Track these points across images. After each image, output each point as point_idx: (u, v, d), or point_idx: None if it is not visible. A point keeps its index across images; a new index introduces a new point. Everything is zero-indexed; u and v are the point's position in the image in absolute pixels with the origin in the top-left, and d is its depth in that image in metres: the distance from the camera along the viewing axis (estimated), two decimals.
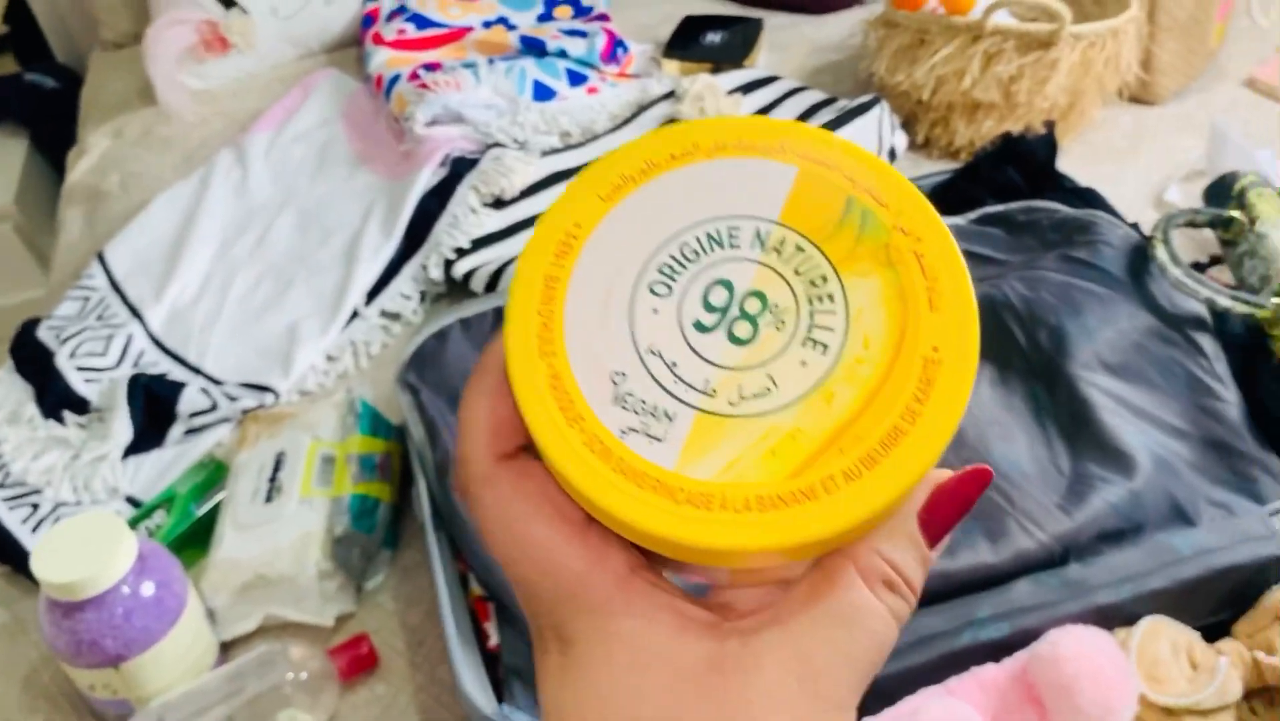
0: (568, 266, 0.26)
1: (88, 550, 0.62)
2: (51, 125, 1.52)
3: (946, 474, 0.25)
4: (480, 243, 0.94)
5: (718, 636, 0.24)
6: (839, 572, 0.24)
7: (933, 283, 0.25)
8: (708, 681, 0.23)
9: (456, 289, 0.95)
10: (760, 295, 0.25)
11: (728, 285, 0.25)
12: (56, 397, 0.86)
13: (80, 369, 0.88)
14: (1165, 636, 0.58)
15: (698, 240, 0.26)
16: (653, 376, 0.24)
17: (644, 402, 0.24)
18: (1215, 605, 0.60)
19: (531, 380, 0.25)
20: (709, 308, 0.25)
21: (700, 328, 0.25)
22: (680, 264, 0.26)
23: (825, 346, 0.24)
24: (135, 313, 0.95)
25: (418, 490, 0.72)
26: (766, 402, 0.24)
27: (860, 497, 0.23)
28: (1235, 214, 0.75)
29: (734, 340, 0.25)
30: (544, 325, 0.25)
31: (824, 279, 0.25)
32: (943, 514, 0.25)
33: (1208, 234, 0.85)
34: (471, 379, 0.26)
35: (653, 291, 0.25)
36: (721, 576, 0.26)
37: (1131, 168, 1.02)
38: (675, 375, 0.24)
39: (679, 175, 0.27)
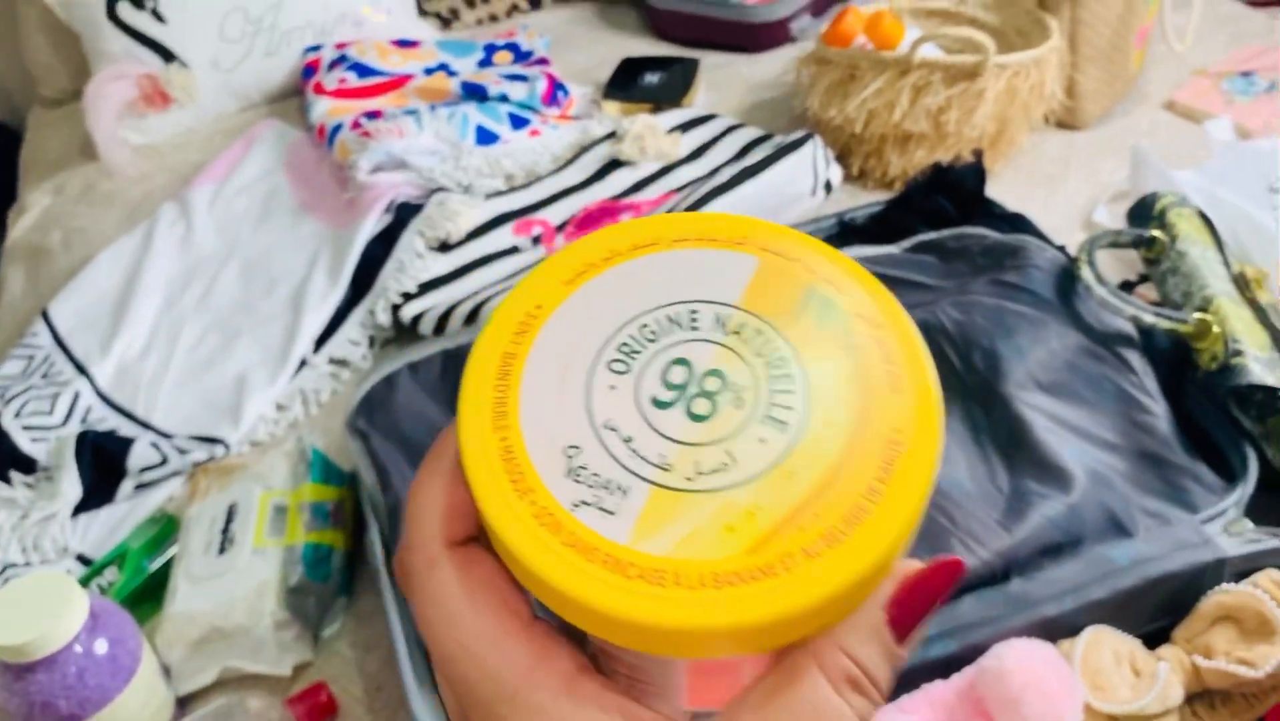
0: (525, 344, 0.25)
1: (38, 610, 0.62)
2: None
3: (915, 565, 0.24)
4: (427, 286, 0.95)
5: None
6: (800, 670, 0.23)
7: (893, 367, 0.24)
8: None
9: (404, 333, 0.96)
10: (719, 373, 0.25)
11: (686, 364, 0.25)
12: (3, 458, 0.85)
13: (26, 428, 0.88)
14: (1107, 645, 0.59)
15: (658, 322, 0.26)
16: (607, 450, 0.24)
17: (597, 476, 0.23)
18: (1154, 612, 0.62)
19: (482, 452, 0.24)
20: (668, 385, 0.25)
21: (658, 404, 0.24)
22: (640, 344, 0.25)
23: (785, 424, 0.24)
24: (81, 369, 0.95)
25: (371, 536, 0.72)
26: (724, 478, 0.23)
27: (822, 575, 0.22)
28: (1157, 233, 0.77)
29: (692, 416, 0.24)
30: (499, 400, 0.25)
31: (783, 360, 0.25)
32: (911, 607, 0.23)
33: (1135, 255, 0.88)
34: (425, 462, 0.25)
35: (611, 369, 0.25)
36: (678, 689, 0.26)
37: (1061, 191, 1.05)
38: (631, 449, 0.24)
39: (641, 263, 0.27)
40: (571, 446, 0.24)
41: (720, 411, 0.24)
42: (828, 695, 0.22)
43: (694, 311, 0.26)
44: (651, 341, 0.25)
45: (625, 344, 0.25)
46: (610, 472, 0.23)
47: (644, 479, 0.23)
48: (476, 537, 0.25)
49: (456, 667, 0.23)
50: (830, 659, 0.22)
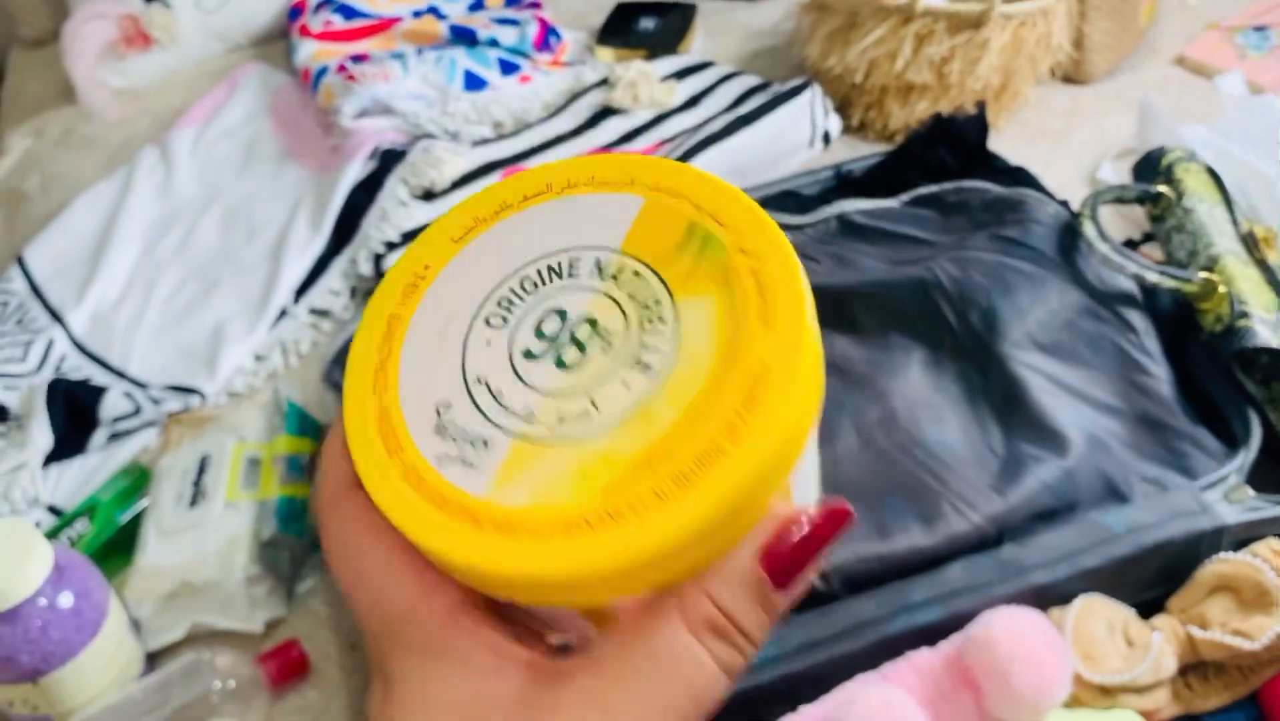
0: (411, 306, 0.26)
1: (0, 561, 0.60)
2: None
3: (798, 510, 0.23)
4: (410, 236, 0.92)
5: (531, 678, 0.23)
6: (660, 616, 0.22)
7: (768, 301, 0.24)
8: None
9: None
10: (592, 321, 0.25)
11: (561, 314, 0.25)
12: None
13: None
14: (1100, 614, 0.58)
15: (538, 273, 0.26)
16: (476, 405, 0.24)
17: (464, 431, 0.24)
18: (1149, 581, 0.60)
19: (360, 416, 0.25)
20: (540, 335, 0.25)
21: (529, 355, 0.24)
22: (518, 297, 0.25)
23: (649, 367, 0.23)
24: (56, 316, 0.92)
25: None
26: (585, 427, 0.23)
27: (671, 518, 0.21)
28: (1163, 189, 0.75)
29: (560, 365, 0.24)
30: (380, 364, 0.25)
31: (657, 302, 0.24)
32: (790, 555, 0.22)
33: (1140, 212, 0.86)
34: (339, 413, 0.26)
35: (488, 324, 0.25)
36: (583, 627, 0.25)
37: (1065, 146, 1.02)
38: (499, 403, 0.24)
39: (529, 214, 0.27)
40: (443, 404, 0.24)
41: (589, 359, 0.24)
42: (687, 642, 0.22)
43: (575, 259, 0.26)
44: (530, 294, 0.25)
45: (505, 298, 0.25)
46: (475, 427, 0.24)
47: (507, 430, 0.23)
48: None
49: (353, 599, 0.24)
50: (694, 605, 0.22)
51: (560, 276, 0.25)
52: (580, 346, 0.24)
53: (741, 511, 0.22)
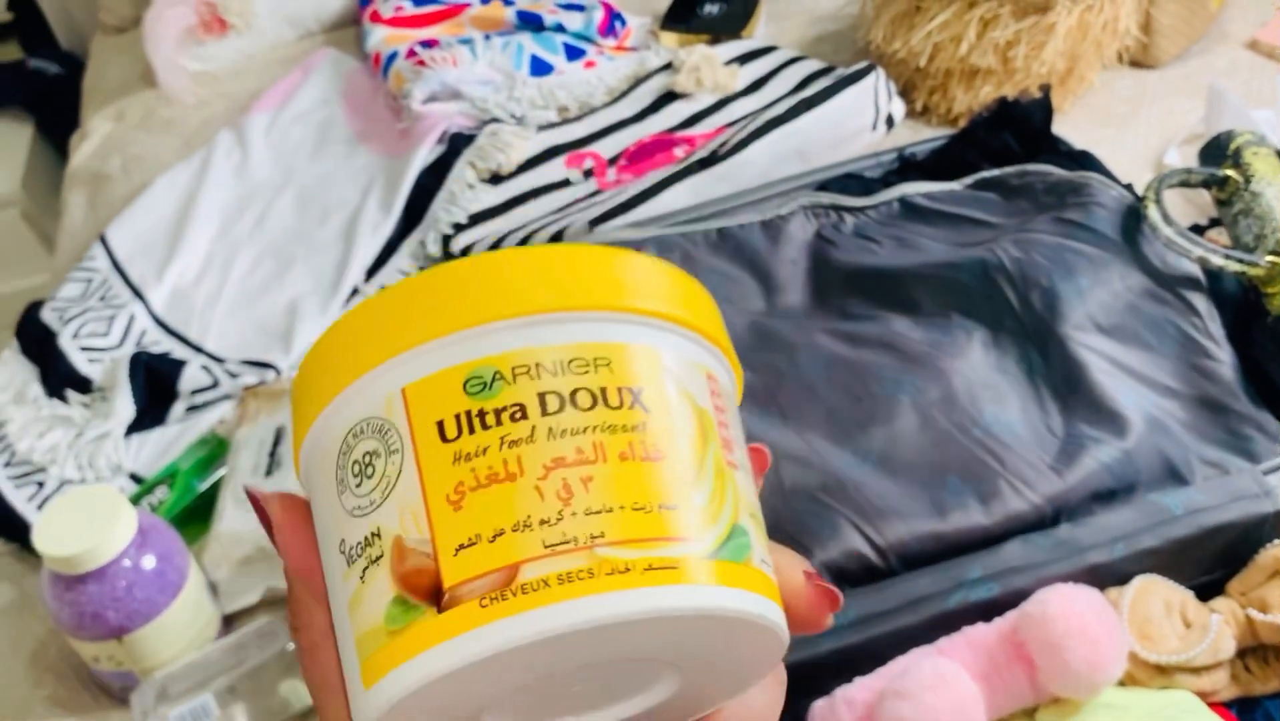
0: None
1: (89, 524, 0.63)
2: (55, 110, 1.52)
3: None
4: (478, 218, 0.94)
5: None
6: None
7: None
8: None
9: None
10: None
11: None
12: (60, 377, 0.87)
13: (83, 349, 0.89)
14: (1158, 595, 0.58)
15: None
16: None
17: None
18: (1208, 564, 0.60)
19: None
20: None
21: None
22: None
23: None
24: (137, 293, 0.96)
25: None
26: None
27: None
28: (1230, 172, 0.74)
29: None
30: None
31: None
32: None
33: (1206, 197, 0.85)
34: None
35: None
36: None
37: (1131, 132, 1.01)
38: None
39: None
40: None
41: None
42: None
43: None
44: None
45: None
46: None
47: None
48: None
49: None
50: None
51: None
52: None
53: None
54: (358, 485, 0.22)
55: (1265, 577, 0.59)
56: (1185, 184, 0.75)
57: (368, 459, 0.22)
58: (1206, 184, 0.76)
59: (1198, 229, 0.83)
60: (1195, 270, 0.70)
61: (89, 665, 0.67)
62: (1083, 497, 0.61)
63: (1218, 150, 0.77)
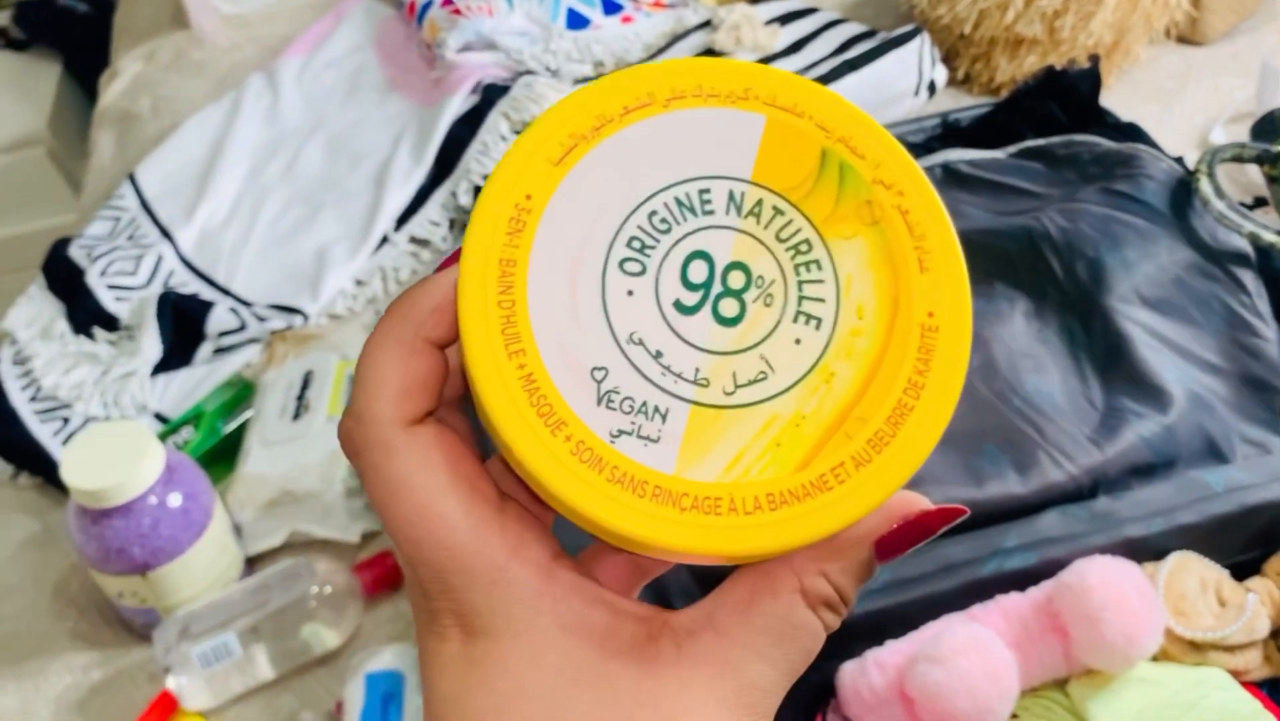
0: (524, 247, 0.23)
1: (116, 458, 0.63)
2: (84, 49, 1.51)
3: (914, 505, 0.23)
4: None
5: (651, 635, 0.23)
6: (781, 588, 0.23)
7: (920, 241, 0.23)
8: (641, 687, 0.22)
9: None
10: (743, 267, 0.23)
11: (706, 257, 0.23)
12: (87, 314, 0.86)
13: (111, 286, 0.89)
14: (1194, 571, 0.57)
15: (667, 207, 0.23)
16: (637, 369, 0.22)
17: (632, 400, 0.22)
18: (1246, 542, 0.59)
19: (503, 385, 0.22)
20: (689, 285, 0.23)
21: (682, 309, 0.22)
22: (652, 236, 0.23)
23: (818, 320, 0.22)
24: (166, 233, 0.95)
25: None
26: (764, 389, 0.22)
27: (873, 483, 0.22)
28: None
29: (721, 321, 0.22)
30: (507, 319, 0.22)
31: (808, 244, 0.23)
32: (900, 543, 0.23)
33: (1256, 176, 0.83)
34: (380, 325, 0.23)
35: (624, 270, 0.23)
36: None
37: (1177, 108, 0.99)
38: (662, 366, 0.22)
39: (636, 132, 0.24)
40: (597, 368, 0.22)
41: (749, 312, 0.23)
42: (805, 615, 0.23)
43: (704, 190, 0.23)
44: (664, 232, 0.23)
45: (635, 237, 0.23)
46: (645, 394, 0.22)
47: (682, 398, 0.22)
48: (433, 412, 0.24)
49: (421, 550, 0.23)
50: (812, 583, 0.23)
51: (693, 212, 0.23)
52: (736, 297, 0.23)
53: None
54: None
55: None
56: (1238, 159, 0.74)
57: None
58: (1259, 160, 0.74)
59: (1246, 207, 0.82)
60: (1245, 246, 0.68)
61: (112, 600, 0.67)
62: (1121, 471, 0.60)
63: (1271, 126, 0.76)
